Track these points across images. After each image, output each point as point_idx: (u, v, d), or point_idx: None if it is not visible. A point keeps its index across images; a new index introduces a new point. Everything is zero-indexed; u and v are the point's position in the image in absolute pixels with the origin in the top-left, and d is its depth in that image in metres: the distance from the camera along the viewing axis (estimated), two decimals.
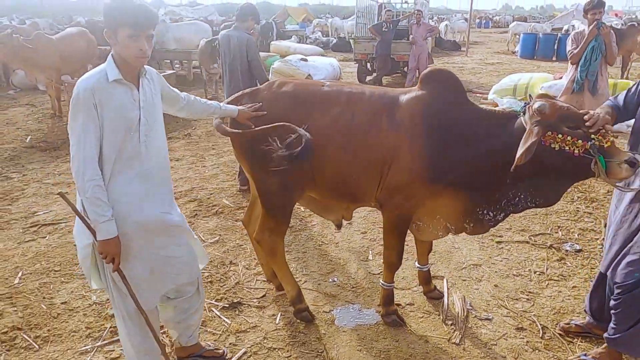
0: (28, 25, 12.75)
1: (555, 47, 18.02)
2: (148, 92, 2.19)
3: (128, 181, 2.14)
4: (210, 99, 3.03)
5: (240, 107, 2.75)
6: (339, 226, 3.27)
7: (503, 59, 18.33)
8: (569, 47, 5.45)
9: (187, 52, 11.75)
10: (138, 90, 2.13)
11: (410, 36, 11.08)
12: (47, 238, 4.14)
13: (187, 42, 12.91)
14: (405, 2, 13.36)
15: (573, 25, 20.27)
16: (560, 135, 2.28)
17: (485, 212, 2.66)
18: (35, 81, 8.26)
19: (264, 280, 3.48)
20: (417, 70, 11.33)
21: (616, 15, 36.66)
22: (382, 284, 3.01)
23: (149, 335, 2.29)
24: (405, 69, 12.02)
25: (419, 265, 3.25)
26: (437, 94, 2.66)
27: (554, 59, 17.98)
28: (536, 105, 2.34)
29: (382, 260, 3.74)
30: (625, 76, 11.99)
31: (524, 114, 2.43)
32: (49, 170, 5.87)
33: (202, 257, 2.63)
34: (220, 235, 4.17)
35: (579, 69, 5.33)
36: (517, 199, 2.58)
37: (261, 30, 21.19)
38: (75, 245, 3.93)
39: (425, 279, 3.27)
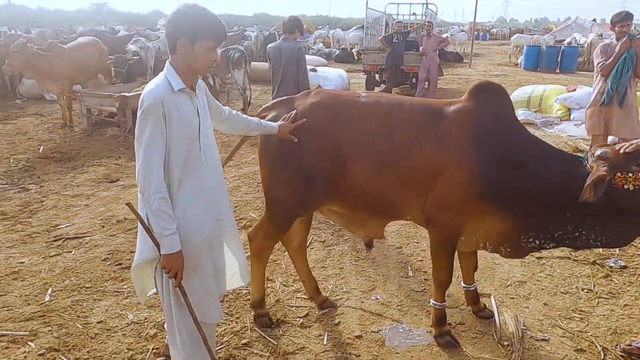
0: (35, 35, 12.64)
1: (559, 59, 18.07)
2: (201, 100, 2.18)
3: (193, 191, 2.11)
4: None
5: (280, 123, 2.66)
6: (369, 245, 3.15)
7: (507, 71, 18.39)
8: (597, 59, 5.40)
9: None
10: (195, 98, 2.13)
11: (421, 47, 11.07)
12: (73, 253, 4.00)
13: None
14: (413, 14, 13.40)
15: (575, 38, 20.46)
16: (630, 174, 2.22)
17: (530, 240, 2.59)
18: (47, 91, 8.15)
19: (305, 298, 3.35)
20: (426, 82, 11.33)
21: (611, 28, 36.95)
22: (433, 303, 2.90)
23: (207, 358, 2.18)
24: (414, 80, 12.01)
25: (465, 285, 3.15)
26: (487, 107, 2.61)
27: (557, 71, 18.04)
28: (598, 153, 2.34)
29: (422, 277, 3.66)
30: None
31: (587, 160, 2.42)
32: (66, 182, 5.74)
33: (246, 274, 2.54)
34: None
35: (609, 80, 5.27)
36: (577, 234, 2.50)
37: (265, 41, 21.26)
38: (103, 260, 3.86)
39: (473, 298, 3.16)
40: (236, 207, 5.01)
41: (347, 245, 4.18)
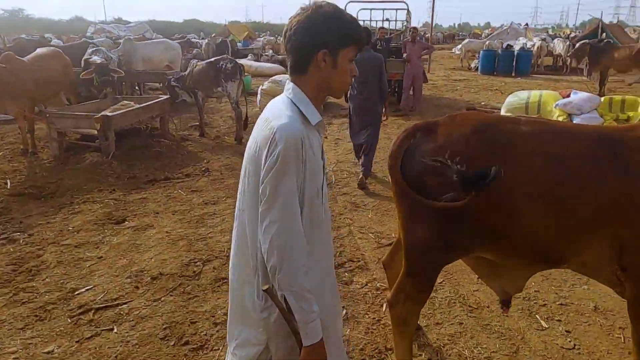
0: None
1: (514, 63, 18.53)
2: None
3: (319, 256, 1.62)
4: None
5: None
6: (506, 303, 2.63)
7: (466, 75, 18.61)
8: None
9: (162, 74, 10.58)
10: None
11: (404, 54, 10.69)
12: (115, 331, 3.07)
13: (157, 62, 11.72)
14: (387, 20, 13.06)
15: (525, 43, 21.19)
16: None
17: None
18: (4, 112, 6.86)
19: None
20: (412, 89, 10.97)
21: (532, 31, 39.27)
22: None
23: None
24: (395, 87, 11.63)
25: None
26: None
27: (513, 74, 18.47)
28: None
29: (562, 328, 3.11)
30: (601, 91, 12.34)
31: None
32: (59, 227, 4.66)
33: None
34: (345, 307, 3.31)
35: None
36: None
37: (217, 49, 20.23)
38: (162, 339, 2.98)
39: None
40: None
41: (447, 290, 3.55)
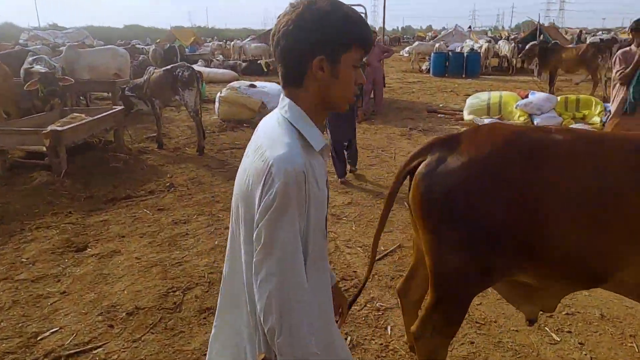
0: None
1: (464, 65, 18.96)
2: None
3: (324, 303, 1.37)
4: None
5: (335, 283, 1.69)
6: (532, 322, 2.50)
7: (420, 77, 18.83)
8: (617, 67, 5.25)
9: (111, 83, 9.96)
10: None
11: (364, 58, 10.58)
12: None
13: (103, 70, 11.01)
14: None
15: (472, 45, 21.76)
16: None
17: None
18: None
19: None
20: (372, 93, 10.90)
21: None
22: None
23: None
24: None
25: None
26: None
27: (463, 76, 18.90)
28: None
29: (576, 340, 3.00)
30: (551, 91, 12.76)
31: None
32: (11, 259, 4.13)
33: None
34: (348, 333, 3.06)
35: (630, 89, 5.13)
36: None
37: (164, 55, 19.45)
38: None
39: None
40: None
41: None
